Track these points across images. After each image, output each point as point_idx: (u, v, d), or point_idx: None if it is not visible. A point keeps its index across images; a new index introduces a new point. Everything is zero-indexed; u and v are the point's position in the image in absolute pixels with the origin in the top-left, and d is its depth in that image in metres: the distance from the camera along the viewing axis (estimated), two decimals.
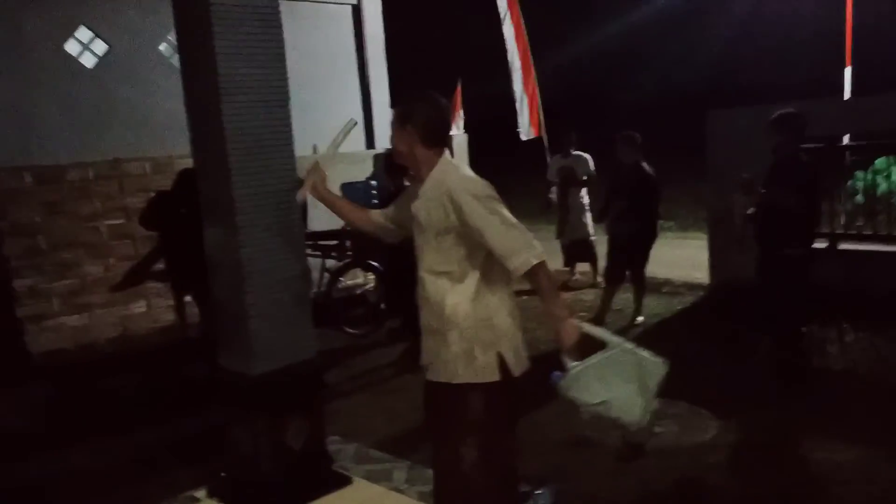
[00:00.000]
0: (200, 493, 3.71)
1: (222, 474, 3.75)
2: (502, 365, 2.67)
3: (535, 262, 2.51)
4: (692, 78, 18.19)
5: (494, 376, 2.66)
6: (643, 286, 6.84)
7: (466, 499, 2.70)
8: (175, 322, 6.61)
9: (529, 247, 2.52)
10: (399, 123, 2.70)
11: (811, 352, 5.56)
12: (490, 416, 2.69)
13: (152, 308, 7.23)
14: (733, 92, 8.99)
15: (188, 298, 6.17)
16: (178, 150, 6.93)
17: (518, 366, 2.73)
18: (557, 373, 2.64)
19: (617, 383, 2.72)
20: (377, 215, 3.08)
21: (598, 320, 6.83)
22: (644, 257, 6.75)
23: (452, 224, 2.58)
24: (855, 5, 8.87)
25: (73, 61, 7.11)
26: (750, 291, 5.33)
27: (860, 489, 3.49)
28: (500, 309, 2.70)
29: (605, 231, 7.07)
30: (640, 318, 6.73)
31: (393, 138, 2.76)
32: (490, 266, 2.66)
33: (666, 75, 19.93)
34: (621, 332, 6.43)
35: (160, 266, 6.21)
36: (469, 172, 2.72)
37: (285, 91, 3.46)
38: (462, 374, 2.65)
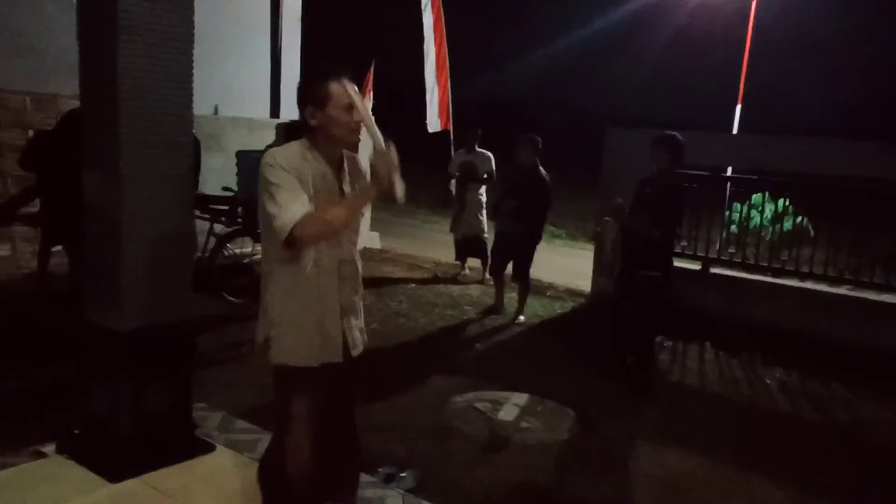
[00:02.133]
0: (49, 449, 3.50)
1: (75, 431, 3.56)
2: None
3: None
4: (602, 104, 18.91)
5: None
6: (526, 287, 7.03)
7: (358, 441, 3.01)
8: (37, 271, 6.20)
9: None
10: (361, 95, 2.59)
11: (665, 367, 5.91)
12: None
13: (18, 253, 6.76)
14: (638, 119, 9.44)
15: (58, 248, 5.81)
16: (65, 90, 6.50)
17: None
18: None
19: None
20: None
21: (495, 310, 7.01)
22: (528, 258, 6.94)
23: None
24: (751, 52, 9.47)
25: None
26: (611, 306, 5.63)
27: (692, 498, 3.73)
28: None
29: (494, 228, 7.25)
30: (522, 318, 6.90)
31: (358, 110, 2.51)
32: None
33: (580, 98, 20.66)
34: (503, 329, 6.62)
35: (31, 209, 5.81)
36: None
37: (190, 37, 3.30)
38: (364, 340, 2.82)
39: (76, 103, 3.70)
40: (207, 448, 3.62)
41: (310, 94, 2.55)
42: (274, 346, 2.62)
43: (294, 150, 2.56)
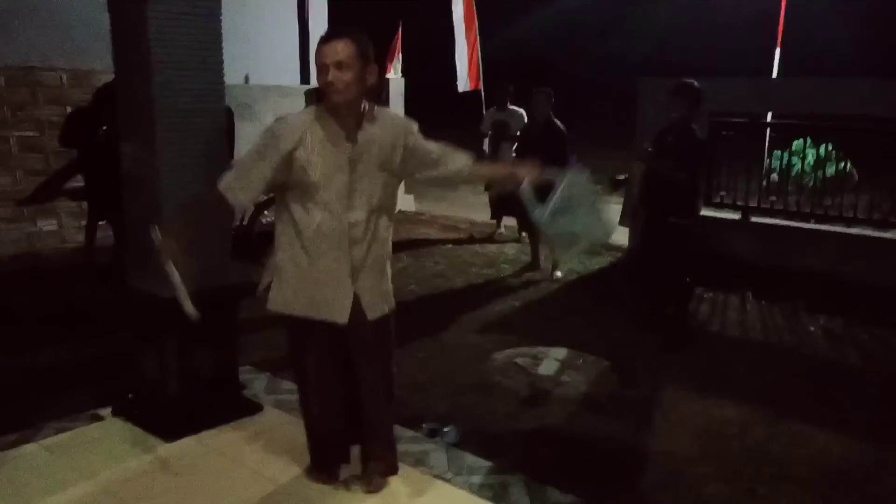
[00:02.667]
0: (105, 412, 3.64)
1: (129, 395, 3.69)
2: None
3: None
4: (636, 53, 18.50)
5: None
6: None
7: (391, 396, 3.05)
8: (84, 244, 6.38)
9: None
10: (366, 58, 2.58)
11: (706, 317, 5.87)
12: None
13: (64, 227, 6.95)
14: (671, 67, 9.24)
15: (103, 222, 5.96)
16: (99, 64, 6.59)
17: None
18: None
19: (577, 211, 2.83)
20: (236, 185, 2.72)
21: (532, 267, 7.02)
22: None
23: (396, 162, 2.74)
24: None
25: None
26: (639, 257, 5.62)
27: (736, 444, 3.73)
28: None
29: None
30: (559, 273, 6.89)
31: (348, 72, 2.54)
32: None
33: (608, 48, 20.23)
34: (540, 285, 6.62)
35: (75, 183, 5.96)
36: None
37: (218, 6, 3.32)
38: (390, 302, 2.92)
39: (110, 77, 3.76)
40: (255, 408, 3.73)
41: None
42: (270, 294, 2.83)
43: (303, 115, 2.68)
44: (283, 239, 2.78)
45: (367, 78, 2.61)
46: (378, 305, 2.85)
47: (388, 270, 2.91)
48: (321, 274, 2.74)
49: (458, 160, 2.85)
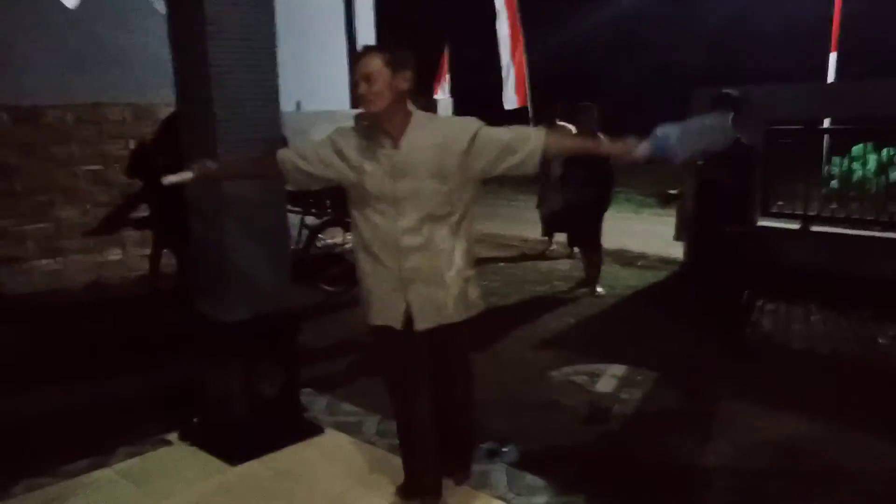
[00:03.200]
0: (172, 437, 3.75)
1: (194, 419, 3.79)
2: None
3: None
4: (686, 59, 18.27)
5: (482, 305, 3.08)
6: (598, 256, 6.92)
7: (466, 405, 3.21)
8: (148, 272, 6.58)
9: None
10: (394, 67, 2.64)
11: (769, 329, 5.72)
12: None
13: (128, 256, 7.18)
14: (725, 74, 9.09)
15: (166, 251, 6.15)
16: (160, 98, 6.83)
17: None
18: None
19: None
20: (288, 158, 2.91)
21: (585, 283, 6.94)
22: (596, 227, 6.86)
23: (455, 166, 2.71)
24: None
25: (55, 1, 6.95)
26: (694, 269, 5.53)
27: (809, 461, 3.62)
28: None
29: (563, 199, 7.18)
30: (600, 290, 6.79)
31: (376, 82, 2.62)
32: (473, 206, 2.84)
33: (662, 56, 20.01)
34: (595, 301, 6.55)
35: (138, 214, 6.16)
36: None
37: (273, 36, 3.43)
38: (463, 312, 2.94)
39: (169, 110, 3.90)
40: (316, 430, 3.78)
41: None
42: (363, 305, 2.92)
43: (346, 126, 2.88)
44: (355, 247, 2.90)
45: (399, 84, 2.66)
46: (429, 316, 2.82)
47: (455, 282, 2.82)
48: (380, 280, 2.81)
49: (532, 138, 2.72)
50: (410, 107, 2.75)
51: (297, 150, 2.91)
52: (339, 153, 2.78)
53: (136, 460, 3.54)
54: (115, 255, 7.14)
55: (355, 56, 2.79)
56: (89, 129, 6.89)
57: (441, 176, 2.69)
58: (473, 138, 2.69)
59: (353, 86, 2.73)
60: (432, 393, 2.95)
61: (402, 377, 2.94)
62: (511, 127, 2.78)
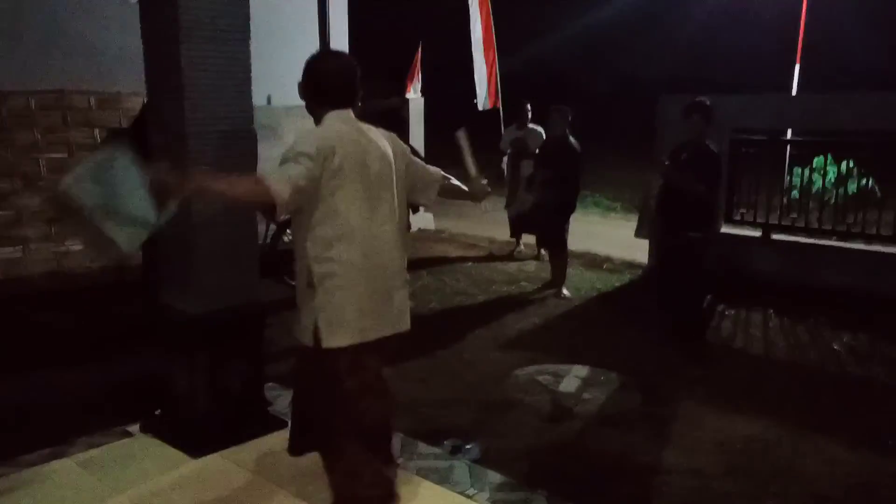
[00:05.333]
0: (133, 429, 3.71)
1: (157, 411, 3.76)
2: None
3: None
4: (655, 68, 18.56)
5: None
6: (563, 258, 7.01)
7: None
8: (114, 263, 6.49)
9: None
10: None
11: (728, 334, 5.85)
12: None
13: None
14: (692, 83, 9.27)
15: None
16: (126, 87, 6.74)
17: None
18: None
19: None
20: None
21: (553, 284, 7.00)
22: (561, 228, 6.96)
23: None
24: (808, 9, 9.16)
25: None
26: (655, 273, 5.64)
27: (762, 461, 3.72)
28: None
29: (532, 200, 7.26)
30: (566, 292, 6.86)
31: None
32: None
33: (632, 65, 20.31)
34: (561, 303, 6.62)
35: None
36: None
37: (246, 28, 3.42)
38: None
39: (138, 101, 3.86)
40: (280, 424, 3.76)
41: None
42: None
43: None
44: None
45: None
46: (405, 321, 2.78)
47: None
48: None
49: None
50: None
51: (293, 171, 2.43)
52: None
53: (96, 451, 3.51)
54: (77, 245, 7.01)
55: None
56: (53, 116, 6.76)
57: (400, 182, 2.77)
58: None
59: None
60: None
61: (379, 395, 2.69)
62: None
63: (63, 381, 4.43)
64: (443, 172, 2.95)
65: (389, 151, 2.66)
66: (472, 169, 3.00)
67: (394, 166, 2.66)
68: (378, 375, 2.67)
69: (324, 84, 2.63)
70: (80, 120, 6.91)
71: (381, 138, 2.67)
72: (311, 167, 2.43)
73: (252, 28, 3.48)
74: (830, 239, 6.95)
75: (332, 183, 2.48)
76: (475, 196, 3.02)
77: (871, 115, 6.59)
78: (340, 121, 2.61)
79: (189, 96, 3.26)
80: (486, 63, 10.24)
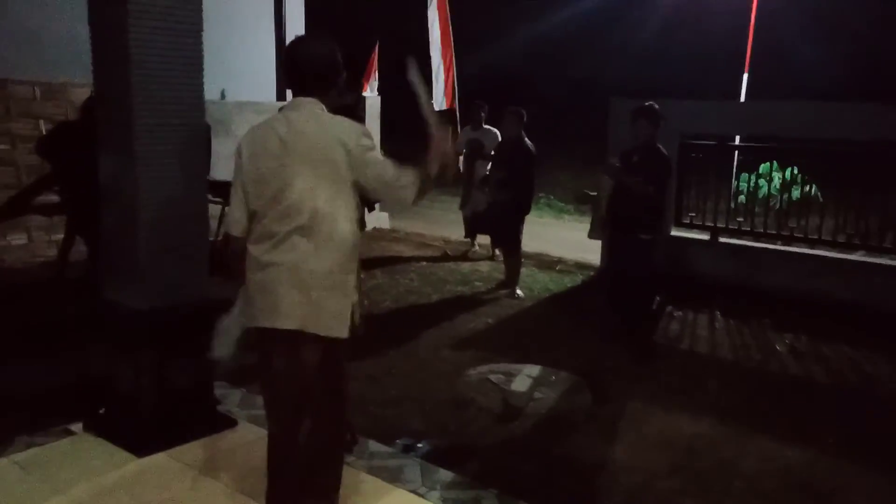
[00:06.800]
0: (76, 427, 3.61)
1: (101, 410, 3.66)
2: None
3: None
4: (607, 74, 18.86)
5: None
6: (517, 258, 7.08)
7: None
8: (57, 258, 6.30)
9: None
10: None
11: (675, 335, 5.97)
12: None
13: (33, 241, 6.86)
14: (645, 88, 9.44)
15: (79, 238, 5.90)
16: (72, 78, 6.56)
17: None
18: None
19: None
20: None
21: (506, 285, 7.04)
22: (516, 228, 7.03)
23: None
24: (757, 19, 9.41)
25: None
26: (605, 273, 5.73)
27: (706, 459, 3.80)
28: None
29: (486, 200, 7.32)
30: (520, 292, 6.92)
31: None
32: None
33: (585, 69, 20.60)
34: (514, 303, 6.67)
35: (45, 199, 5.88)
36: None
37: (198, 18, 3.35)
38: None
39: (86, 91, 3.76)
40: (230, 423, 3.72)
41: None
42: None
43: None
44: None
45: None
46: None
47: None
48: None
49: None
50: None
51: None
52: None
53: (36, 450, 3.40)
54: (19, 239, 6.81)
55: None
56: None
57: None
58: None
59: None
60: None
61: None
62: None
63: (1, 378, 4.28)
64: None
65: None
66: (429, 110, 2.82)
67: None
68: None
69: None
70: (24, 111, 6.70)
71: None
72: None
73: (205, 19, 3.41)
74: (775, 243, 7.15)
75: None
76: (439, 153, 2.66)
77: (816, 124, 6.80)
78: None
79: (137, 87, 3.18)
80: (444, 64, 10.25)
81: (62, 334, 4.87)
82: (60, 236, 6.25)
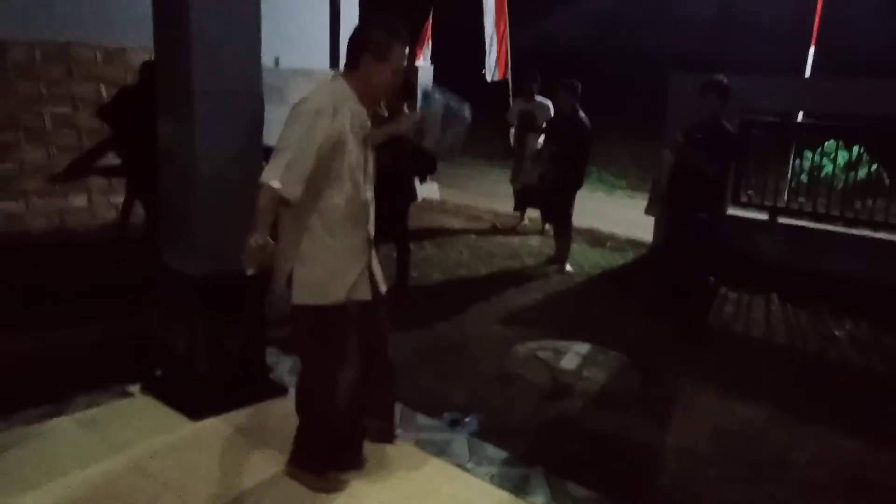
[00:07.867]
0: (134, 388, 3.71)
1: (157, 372, 3.75)
2: None
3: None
4: (666, 47, 18.38)
5: None
6: (568, 234, 6.98)
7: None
8: (117, 221, 6.45)
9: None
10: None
11: (730, 317, 5.83)
12: None
13: (94, 204, 7.02)
14: (704, 62, 9.13)
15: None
16: (132, 42, 6.64)
17: None
18: None
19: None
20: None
21: (555, 260, 6.97)
22: (568, 203, 6.91)
23: None
24: None
25: None
26: (659, 251, 5.58)
27: (758, 446, 3.72)
28: None
29: (537, 174, 7.22)
30: (569, 268, 6.84)
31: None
32: None
33: (643, 42, 20.11)
34: (563, 279, 6.61)
35: (106, 161, 6.02)
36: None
37: None
38: None
39: (142, 56, 3.79)
40: (281, 391, 3.77)
41: (374, 43, 2.71)
42: (297, 287, 2.79)
43: (331, 94, 2.72)
44: (308, 224, 2.72)
45: None
46: (381, 279, 3.02)
47: None
48: (357, 253, 2.83)
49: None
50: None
51: (289, 159, 2.61)
52: (340, 130, 2.67)
53: (95, 410, 3.51)
54: (80, 201, 6.97)
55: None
56: (57, 68, 6.67)
57: None
58: None
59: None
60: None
61: (356, 349, 2.88)
62: None
63: (63, 339, 4.41)
64: None
65: None
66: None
67: None
68: None
69: None
70: (85, 74, 6.82)
71: None
72: None
73: None
74: (837, 225, 6.90)
75: None
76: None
77: (884, 102, 6.50)
78: None
79: (197, 52, 3.19)
80: (497, 33, 10.11)
81: (121, 297, 4.99)
82: (121, 199, 6.39)
